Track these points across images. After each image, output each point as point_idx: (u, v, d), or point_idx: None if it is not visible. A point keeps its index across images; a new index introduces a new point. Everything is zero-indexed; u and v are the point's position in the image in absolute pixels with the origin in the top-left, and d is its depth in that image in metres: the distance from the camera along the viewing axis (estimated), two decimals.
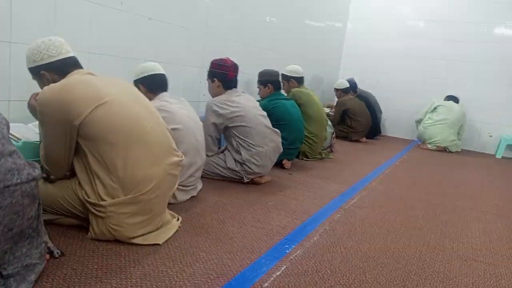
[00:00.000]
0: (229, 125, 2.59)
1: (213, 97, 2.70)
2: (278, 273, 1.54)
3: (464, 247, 2.05)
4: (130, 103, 1.67)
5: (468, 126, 5.71)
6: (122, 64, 2.58)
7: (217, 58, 2.68)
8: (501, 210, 2.81)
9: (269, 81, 3.29)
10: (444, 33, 5.85)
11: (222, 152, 2.77)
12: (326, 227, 2.09)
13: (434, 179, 3.58)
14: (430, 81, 6.00)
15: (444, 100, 5.58)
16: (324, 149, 4.08)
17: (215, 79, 2.66)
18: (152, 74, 2.20)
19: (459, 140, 5.47)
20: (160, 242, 1.66)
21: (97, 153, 1.55)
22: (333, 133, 4.30)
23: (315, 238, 1.93)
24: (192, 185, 2.25)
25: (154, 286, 1.36)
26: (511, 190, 3.53)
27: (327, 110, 5.29)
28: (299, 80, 3.79)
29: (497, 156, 5.55)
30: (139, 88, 2.08)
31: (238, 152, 2.63)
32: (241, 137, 2.61)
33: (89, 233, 1.63)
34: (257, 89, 3.44)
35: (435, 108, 5.47)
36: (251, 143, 2.61)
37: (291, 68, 3.77)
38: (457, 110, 5.36)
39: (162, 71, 2.26)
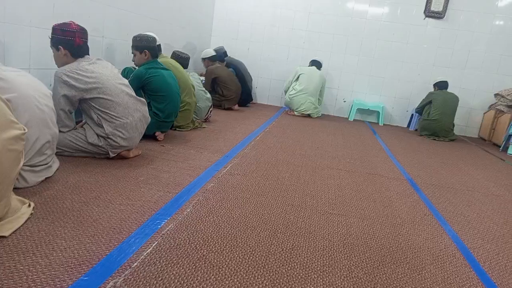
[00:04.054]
0: (85, 97, 2.33)
1: (60, 67, 2.35)
2: (148, 250, 1.49)
3: (322, 202, 2.30)
4: None
5: (327, 93, 6.34)
6: None
7: (59, 22, 2.34)
8: (352, 167, 3.22)
9: (147, 47, 3.07)
10: (306, 6, 6.25)
11: (81, 126, 2.50)
12: (200, 198, 2.10)
13: (299, 143, 3.90)
14: (294, 51, 6.41)
15: (308, 65, 6.01)
16: (198, 119, 4.06)
17: (60, 47, 2.31)
18: None
19: (320, 105, 6.04)
20: (6, 234, 1.44)
21: None
22: (210, 107, 4.30)
23: (188, 210, 1.92)
24: (45, 164, 1.98)
25: None
26: (360, 148, 4.07)
27: (202, 78, 5.25)
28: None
29: (349, 119, 6.32)
30: None
31: (100, 126, 2.40)
32: (101, 109, 2.37)
33: None
34: (121, 56, 3.18)
35: (298, 77, 5.87)
36: (113, 115, 2.40)
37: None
38: (317, 76, 5.82)
39: None
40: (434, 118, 5.34)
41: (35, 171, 1.91)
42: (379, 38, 6.15)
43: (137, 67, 3.17)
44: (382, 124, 6.26)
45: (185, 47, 5.49)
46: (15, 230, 1.49)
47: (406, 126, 6.34)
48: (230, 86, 5.30)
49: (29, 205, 1.66)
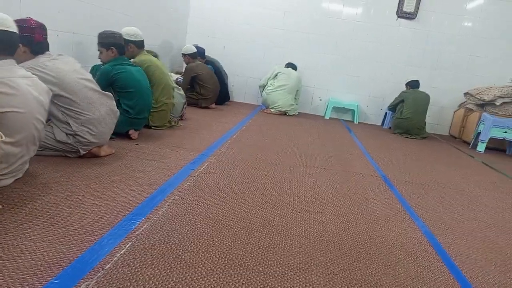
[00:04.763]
0: None
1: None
2: (122, 252, 1.46)
3: (299, 200, 2.31)
4: None
5: (303, 92, 6.39)
6: None
7: (17, 19, 2.24)
8: (328, 165, 3.26)
9: (113, 44, 2.98)
10: (282, 4, 6.27)
11: (49, 124, 2.42)
12: (175, 197, 2.06)
13: (275, 141, 3.91)
14: (271, 49, 6.42)
15: (284, 67, 6.07)
16: (175, 117, 4.01)
17: (19, 44, 2.23)
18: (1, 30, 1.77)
19: (296, 104, 6.08)
20: None
21: None
22: (185, 103, 4.25)
23: (163, 210, 1.89)
24: (19, 170, 1.93)
25: None
26: (335, 146, 4.12)
27: (176, 76, 5.17)
28: (139, 44, 3.54)
29: (325, 117, 6.39)
30: None
31: (66, 123, 2.34)
32: (64, 106, 2.31)
33: None
34: (95, 52, 3.10)
35: (276, 75, 5.91)
36: (78, 111, 2.34)
37: (129, 31, 3.45)
38: (294, 77, 5.91)
39: (14, 29, 1.84)
40: (406, 116, 5.46)
41: (7, 178, 1.86)
42: (354, 38, 6.25)
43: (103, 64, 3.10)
44: (357, 122, 6.36)
45: (161, 45, 5.41)
46: None
47: (380, 124, 6.47)
48: (209, 85, 5.25)
49: None
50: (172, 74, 4.53)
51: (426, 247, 1.91)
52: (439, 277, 1.64)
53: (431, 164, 3.90)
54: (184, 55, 5.24)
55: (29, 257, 1.34)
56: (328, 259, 1.64)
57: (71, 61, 2.42)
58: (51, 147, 2.36)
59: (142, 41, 3.55)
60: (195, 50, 5.24)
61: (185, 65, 5.34)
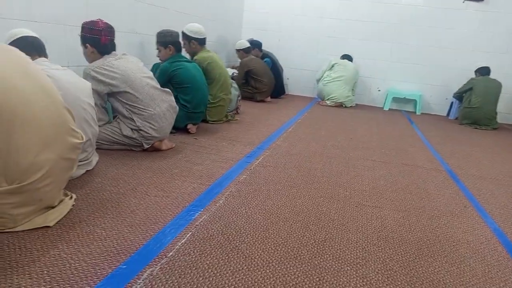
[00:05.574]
0: (113, 91, 2.42)
1: (89, 63, 2.47)
2: (183, 241, 1.53)
3: (356, 194, 2.26)
4: (15, 77, 1.41)
5: (360, 82, 6.19)
6: None
7: (88, 20, 2.42)
8: (387, 158, 3.14)
9: (170, 42, 3.13)
10: None
11: (114, 119, 2.60)
12: (232, 189, 2.12)
13: (331, 133, 3.84)
14: (326, 40, 6.29)
15: (340, 59, 5.93)
16: (230, 111, 4.09)
17: (87, 44, 2.41)
18: (21, 37, 1.97)
19: (353, 95, 5.92)
20: (51, 224, 1.53)
21: None
22: (239, 96, 4.31)
23: (221, 202, 1.95)
24: (86, 160, 2.08)
25: (45, 272, 1.25)
26: (396, 139, 3.96)
27: (232, 71, 5.26)
28: (201, 42, 3.65)
29: (384, 109, 6.14)
30: None
31: (131, 119, 2.50)
32: (129, 103, 2.46)
33: None
34: (154, 51, 3.25)
35: (332, 66, 5.79)
36: (141, 108, 2.49)
37: (193, 28, 3.59)
38: (352, 68, 5.75)
39: (32, 34, 2.04)
40: (475, 105, 5.09)
41: (77, 168, 2.02)
42: (414, 24, 5.91)
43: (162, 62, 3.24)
44: (419, 113, 6.05)
45: (216, 40, 5.52)
46: (59, 221, 1.57)
47: (445, 114, 6.09)
48: (263, 79, 5.26)
49: (71, 197, 1.74)
50: (228, 69, 4.62)
51: (495, 246, 1.78)
52: (510, 277, 1.53)
53: (503, 157, 3.61)
54: (238, 50, 5.31)
55: (100, 243, 1.45)
56: (386, 255, 1.60)
57: (134, 60, 2.58)
58: (118, 141, 2.53)
59: (204, 39, 3.67)
60: (248, 45, 5.28)
61: (239, 60, 5.40)
